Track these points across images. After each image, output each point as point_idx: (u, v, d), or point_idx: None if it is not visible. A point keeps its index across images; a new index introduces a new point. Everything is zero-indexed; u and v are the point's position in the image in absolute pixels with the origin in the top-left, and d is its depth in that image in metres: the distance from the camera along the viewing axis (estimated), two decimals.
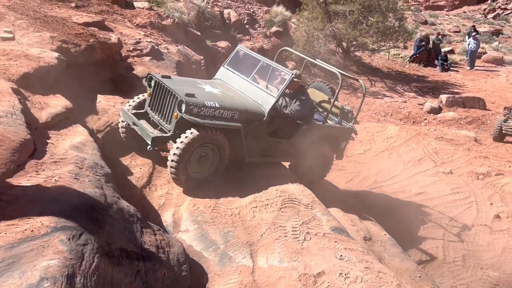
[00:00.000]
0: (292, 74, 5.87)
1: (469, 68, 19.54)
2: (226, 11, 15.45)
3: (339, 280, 3.58)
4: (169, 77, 5.71)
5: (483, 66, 20.28)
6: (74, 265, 2.42)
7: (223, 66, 6.51)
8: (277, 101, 5.83)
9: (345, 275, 3.64)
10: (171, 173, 5.09)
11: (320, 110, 7.17)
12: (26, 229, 2.57)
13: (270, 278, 3.75)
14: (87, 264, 2.51)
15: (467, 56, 19.95)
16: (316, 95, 7.47)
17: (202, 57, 11.63)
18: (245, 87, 6.01)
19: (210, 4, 15.29)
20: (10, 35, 6.33)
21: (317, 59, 7.46)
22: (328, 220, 4.73)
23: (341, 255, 3.97)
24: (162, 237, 3.68)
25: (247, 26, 15.78)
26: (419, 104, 15.15)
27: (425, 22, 27.43)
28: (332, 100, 6.76)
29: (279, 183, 5.45)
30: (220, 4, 15.78)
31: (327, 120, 6.73)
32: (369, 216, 6.43)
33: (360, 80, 7.32)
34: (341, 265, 3.79)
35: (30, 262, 2.33)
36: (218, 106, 5.29)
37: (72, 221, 2.77)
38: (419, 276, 4.82)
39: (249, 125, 5.60)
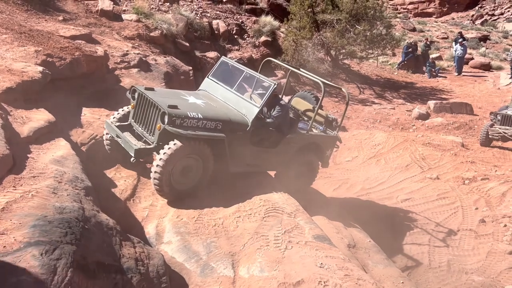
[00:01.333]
0: (275, 84, 5.92)
1: (456, 74, 19.77)
2: (214, 22, 15.57)
3: None
4: (152, 89, 5.75)
5: (471, 72, 20.53)
6: (46, 280, 2.45)
7: (207, 77, 6.57)
8: (260, 111, 5.89)
9: (324, 283, 3.67)
10: (154, 184, 5.11)
11: (305, 119, 7.23)
12: None
13: None
14: (60, 279, 2.53)
15: (454, 62, 20.20)
16: (300, 104, 7.54)
17: (190, 68, 11.69)
18: (229, 98, 6.07)
19: (198, 15, 15.41)
20: None
21: (301, 69, 7.55)
22: (311, 229, 4.76)
23: (321, 263, 4.00)
24: (142, 250, 3.70)
25: (236, 36, 15.89)
26: (407, 110, 15.30)
27: (414, 29, 27.70)
28: (316, 109, 6.81)
29: (263, 192, 5.48)
30: (208, 15, 15.90)
31: (312, 129, 6.79)
32: (355, 223, 6.47)
33: (343, 89, 7.40)
34: (320, 273, 3.82)
35: (0, 278, 2.35)
36: (201, 117, 5.33)
37: (47, 236, 2.79)
38: (402, 282, 4.86)
39: (233, 135, 5.63)
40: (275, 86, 5.93)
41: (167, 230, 4.72)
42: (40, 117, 5.22)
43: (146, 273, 3.47)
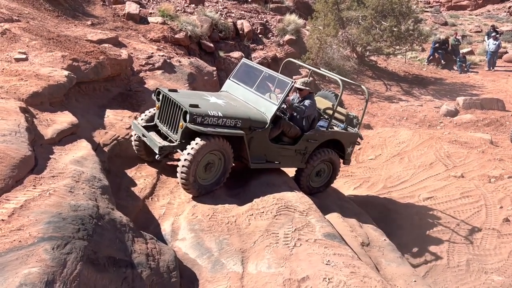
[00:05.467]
0: (292, 82, 6.05)
1: (487, 69, 19.18)
2: (239, 22, 15.73)
3: (322, 285, 3.69)
4: (175, 90, 6.01)
5: (505, 66, 19.85)
6: (55, 272, 2.65)
7: (228, 78, 6.81)
8: (278, 109, 6.03)
9: (329, 280, 3.74)
10: (181, 178, 5.27)
11: (326, 117, 7.29)
12: (14, 240, 2.82)
13: (257, 284, 3.88)
14: (69, 271, 2.73)
15: (487, 57, 19.58)
16: (321, 103, 7.60)
17: (214, 69, 11.88)
18: (249, 97, 6.27)
19: (223, 16, 15.61)
20: (24, 56, 6.72)
21: (321, 68, 7.63)
22: (322, 227, 4.82)
23: (328, 261, 4.06)
24: (154, 246, 3.88)
25: (260, 36, 16.01)
26: (435, 107, 15.00)
27: (445, 23, 26.97)
28: (335, 106, 6.85)
29: (277, 191, 5.58)
30: (233, 15, 16.08)
31: (333, 126, 6.88)
32: (372, 221, 6.47)
33: (362, 86, 7.41)
34: (326, 270, 3.89)
35: (13, 270, 2.57)
36: (221, 115, 5.54)
37: (59, 232, 3.00)
38: (414, 281, 4.85)
39: (252, 132, 5.81)
40: (293, 84, 6.06)
41: (182, 227, 4.90)
42: (63, 119, 5.50)
43: (157, 268, 3.64)
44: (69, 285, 2.67)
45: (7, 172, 3.57)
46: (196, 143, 5.22)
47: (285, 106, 6.34)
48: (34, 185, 3.65)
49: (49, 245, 2.82)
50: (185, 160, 5.20)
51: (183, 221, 5.01)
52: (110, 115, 6.89)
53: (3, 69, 6.22)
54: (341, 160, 7.11)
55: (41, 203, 3.32)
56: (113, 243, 3.43)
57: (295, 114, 6.31)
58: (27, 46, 7.28)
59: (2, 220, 3.02)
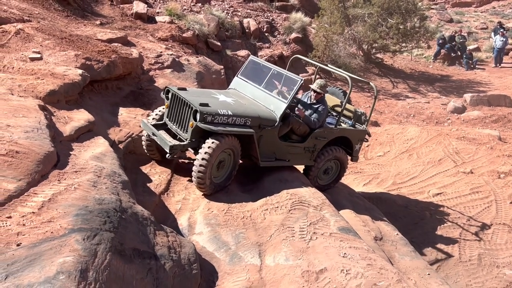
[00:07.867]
0: (301, 79, 6.09)
1: (493, 65, 19.16)
2: (245, 21, 15.80)
3: (340, 276, 3.77)
4: (185, 89, 6.04)
5: (511, 63, 19.84)
6: (88, 262, 2.75)
7: (236, 76, 6.81)
8: (288, 107, 6.07)
9: (347, 271, 3.82)
10: (198, 177, 5.30)
11: (334, 114, 7.34)
12: (47, 231, 2.92)
13: (275, 276, 3.97)
14: (100, 261, 2.83)
15: (493, 54, 19.57)
16: (329, 99, 7.64)
17: (222, 67, 11.95)
18: (257, 95, 6.29)
19: (229, 15, 15.69)
20: (38, 55, 6.83)
21: (328, 65, 7.66)
22: (336, 221, 4.90)
23: (344, 253, 4.14)
24: (174, 239, 3.96)
25: (266, 34, 16.07)
26: (442, 104, 15.04)
27: (451, 20, 26.96)
28: (343, 103, 6.91)
29: (290, 186, 5.66)
30: (239, 14, 16.16)
31: (341, 123, 6.91)
32: (383, 216, 6.53)
33: (371, 83, 7.44)
34: (343, 262, 3.96)
35: (49, 259, 2.67)
36: (231, 113, 5.57)
37: (88, 224, 3.10)
38: (428, 274, 4.92)
39: (262, 131, 5.86)
40: (302, 81, 6.10)
41: (199, 221, 4.98)
42: (80, 117, 5.60)
43: (178, 260, 3.73)
44: (101, 274, 2.77)
45: (33, 167, 3.67)
46: (213, 142, 5.21)
47: (297, 109, 6.39)
48: (58, 180, 3.75)
49: (80, 236, 2.92)
50: (202, 159, 5.21)
51: (199, 216, 5.10)
52: (124, 113, 6.98)
53: (19, 68, 6.33)
54: (349, 157, 7.15)
55: (67, 197, 3.42)
56: (137, 235, 3.52)
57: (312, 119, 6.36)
58: (40, 45, 7.38)
59: (33, 212, 3.12)
